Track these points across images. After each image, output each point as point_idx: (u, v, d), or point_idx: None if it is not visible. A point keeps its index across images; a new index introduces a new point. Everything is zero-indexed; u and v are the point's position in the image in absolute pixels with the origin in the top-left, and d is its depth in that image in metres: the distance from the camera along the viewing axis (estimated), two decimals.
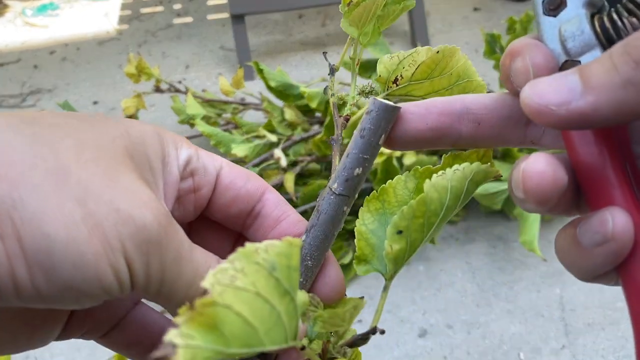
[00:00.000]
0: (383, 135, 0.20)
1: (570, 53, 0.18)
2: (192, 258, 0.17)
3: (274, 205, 0.21)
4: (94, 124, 0.16)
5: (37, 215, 0.14)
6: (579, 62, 0.18)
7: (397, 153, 0.81)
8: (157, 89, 1.11)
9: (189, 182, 0.20)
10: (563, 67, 0.18)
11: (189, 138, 1.07)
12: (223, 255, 0.18)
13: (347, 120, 0.23)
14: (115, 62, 1.63)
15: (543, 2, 0.19)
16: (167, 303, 0.17)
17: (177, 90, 1.11)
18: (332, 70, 0.23)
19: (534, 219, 0.80)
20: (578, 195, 0.19)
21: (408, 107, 0.20)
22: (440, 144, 0.21)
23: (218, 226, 0.22)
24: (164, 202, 0.18)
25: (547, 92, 0.16)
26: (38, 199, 0.14)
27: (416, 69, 0.22)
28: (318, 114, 1.02)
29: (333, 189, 0.20)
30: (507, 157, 0.88)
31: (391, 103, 0.20)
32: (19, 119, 0.15)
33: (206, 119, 1.04)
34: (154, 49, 1.70)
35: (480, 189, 0.82)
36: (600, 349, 0.75)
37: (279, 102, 1.03)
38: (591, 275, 0.18)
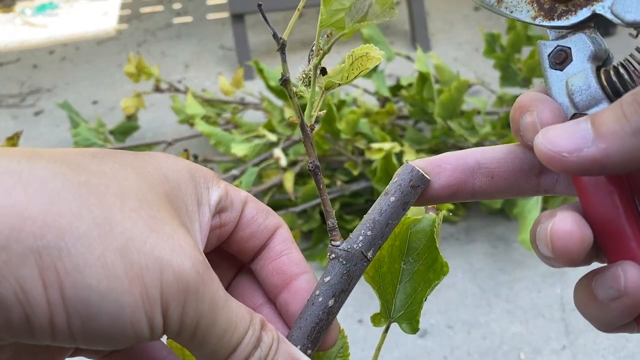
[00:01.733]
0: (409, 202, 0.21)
1: (578, 107, 0.18)
2: (227, 307, 0.17)
3: (281, 240, 0.21)
4: (135, 168, 0.17)
5: (80, 266, 0.14)
6: (586, 115, 0.18)
7: (396, 149, 0.81)
8: (157, 89, 1.10)
9: (217, 219, 0.20)
10: (571, 119, 0.18)
11: (189, 138, 1.07)
12: (224, 283, 0.18)
13: (312, 130, 0.22)
14: (115, 61, 1.63)
15: (549, 55, 0.19)
16: (198, 350, 0.17)
17: (177, 90, 1.11)
18: (282, 47, 0.22)
19: (534, 218, 0.80)
20: (596, 245, 0.19)
21: (420, 165, 0.20)
22: (456, 199, 0.21)
23: (225, 254, 0.22)
24: (200, 245, 0.19)
25: (560, 140, 0.17)
26: (83, 250, 0.14)
27: (360, 72, 0.22)
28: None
29: (368, 257, 0.20)
30: None
31: (422, 172, 0.20)
32: (68, 167, 0.16)
33: (206, 118, 1.04)
34: (154, 48, 1.70)
35: None
36: (601, 349, 0.75)
37: (278, 102, 1.02)
38: (611, 326, 0.18)
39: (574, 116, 0.18)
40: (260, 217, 0.21)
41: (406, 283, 0.22)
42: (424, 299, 0.21)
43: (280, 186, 0.89)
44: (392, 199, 0.20)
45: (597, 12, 0.18)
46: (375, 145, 0.82)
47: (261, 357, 0.17)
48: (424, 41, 1.53)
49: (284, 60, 0.22)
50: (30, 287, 0.14)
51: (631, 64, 0.18)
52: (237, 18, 1.47)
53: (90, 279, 0.14)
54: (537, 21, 0.19)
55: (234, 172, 0.89)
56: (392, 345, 0.78)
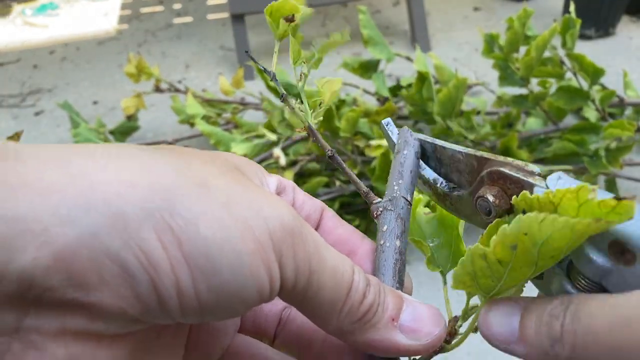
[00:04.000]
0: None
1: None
2: (329, 247, 0.17)
3: (330, 216, 0.22)
4: (205, 153, 0.18)
5: (192, 220, 0.14)
6: None
7: None
8: (157, 89, 1.11)
9: None
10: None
11: (189, 138, 1.07)
12: None
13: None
14: (115, 61, 1.63)
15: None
16: (316, 300, 0.17)
17: (177, 90, 1.11)
18: (274, 77, 0.25)
19: None
20: None
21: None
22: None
23: None
24: None
25: (494, 320, 0.18)
26: (190, 206, 0.15)
27: (331, 93, 0.27)
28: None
29: (408, 199, 0.23)
30: (507, 155, 0.87)
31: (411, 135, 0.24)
32: (149, 149, 0.16)
33: (206, 118, 1.04)
34: (154, 48, 1.70)
35: None
36: None
37: (278, 102, 1.03)
38: None
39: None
40: (308, 200, 0.22)
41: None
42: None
43: None
44: (405, 152, 0.23)
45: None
46: (374, 142, 0.82)
47: (375, 293, 0.18)
48: (424, 41, 1.53)
49: (278, 85, 0.25)
50: (151, 249, 0.14)
51: (579, 285, 0.18)
52: (238, 18, 1.47)
53: (205, 231, 0.14)
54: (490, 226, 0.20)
55: None
56: None
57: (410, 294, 0.21)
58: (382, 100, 1.03)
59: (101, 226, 0.13)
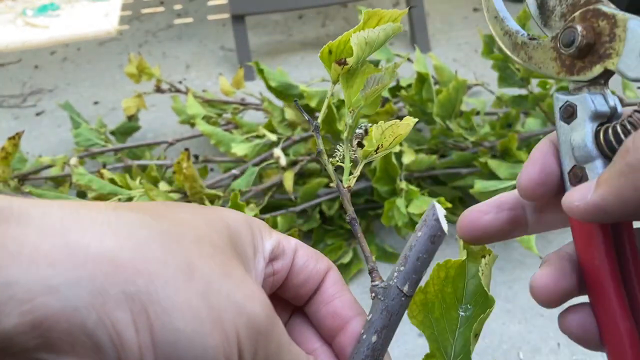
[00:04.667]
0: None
1: (577, 160, 0.21)
2: (292, 351, 0.18)
3: (332, 282, 0.22)
4: (203, 216, 0.19)
5: (168, 309, 0.15)
6: (584, 168, 0.21)
7: (396, 149, 0.82)
8: (158, 89, 1.11)
9: (270, 267, 0.21)
10: (572, 171, 0.21)
11: (190, 138, 1.07)
12: None
13: (349, 190, 0.24)
14: (116, 62, 1.64)
15: (560, 109, 0.21)
16: None
17: (178, 90, 1.11)
18: (317, 128, 0.24)
19: None
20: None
21: (481, 209, 0.23)
22: (512, 236, 0.24)
23: (278, 298, 0.23)
24: None
25: (575, 193, 0.20)
26: (169, 294, 0.15)
27: (394, 139, 0.24)
28: (318, 114, 1.02)
29: (405, 292, 0.21)
30: (506, 156, 0.88)
31: (443, 222, 0.22)
32: (150, 216, 0.17)
33: (206, 118, 1.04)
34: (155, 49, 1.70)
35: (479, 187, 0.82)
36: None
37: (279, 102, 1.03)
38: (586, 348, 0.22)
39: (574, 167, 0.21)
40: (311, 262, 0.22)
41: (464, 329, 0.22)
42: (474, 336, 0.22)
43: (280, 186, 0.90)
44: (419, 234, 0.22)
45: (609, 68, 0.20)
46: None
47: None
48: (424, 42, 1.54)
49: (317, 137, 0.24)
50: (123, 330, 0.15)
51: (632, 124, 0.20)
52: (238, 19, 1.47)
53: (178, 322, 0.15)
54: (560, 76, 0.21)
55: (234, 171, 0.90)
56: (392, 344, 0.78)
57: None
58: (382, 101, 1.03)
59: (83, 302, 0.14)
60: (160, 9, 2.01)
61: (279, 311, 0.22)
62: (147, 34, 1.81)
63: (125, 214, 0.16)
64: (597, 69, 0.20)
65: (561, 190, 0.21)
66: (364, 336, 0.21)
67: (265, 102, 0.99)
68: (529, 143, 0.94)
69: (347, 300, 0.22)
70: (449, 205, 0.79)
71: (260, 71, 0.97)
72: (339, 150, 0.24)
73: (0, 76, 1.62)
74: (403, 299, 0.21)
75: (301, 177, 0.96)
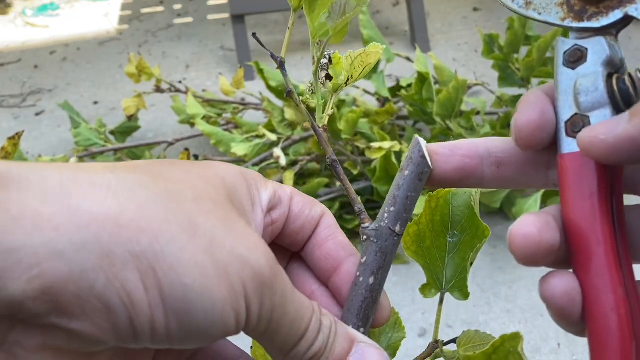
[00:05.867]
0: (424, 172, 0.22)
1: (580, 107, 0.19)
2: (295, 299, 0.18)
3: (326, 226, 0.22)
4: (199, 174, 0.19)
5: (175, 266, 0.15)
6: (588, 117, 0.19)
7: (396, 148, 0.82)
8: (158, 89, 1.11)
9: (269, 217, 0.21)
10: (571, 119, 0.19)
11: (190, 138, 1.07)
12: None
13: (325, 130, 0.23)
14: (116, 62, 1.64)
15: (564, 53, 0.20)
16: (270, 341, 0.18)
17: (178, 90, 1.11)
18: (282, 65, 0.23)
19: None
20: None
21: (434, 148, 0.21)
22: (465, 184, 0.22)
23: (277, 247, 0.23)
24: None
25: (598, 127, 0.18)
26: (175, 251, 0.16)
27: (364, 69, 0.23)
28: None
29: (396, 231, 0.21)
30: None
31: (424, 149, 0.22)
32: (148, 177, 0.17)
33: (206, 118, 1.04)
34: (155, 49, 1.70)
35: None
36: None
37: (279, 102, 1.03)
38: (564, 327, 0.20)
39: (574, 116, 0.19)
40: (306, 209, 0.22)
41: (454, 255, 0.23)
42: (469, 264, 0.22)
43: None
44: (406, 172, 0.21)
45: (630, 14, 0.18)
46: (375, 145, 0.82)
47: (324, 340, 0.19)
48: (424, 42, 1.54)
49: (285, 75, 0.23)
50: (133, 290, 0.15)
51: None
52: (238, 19, 1.47)
53: (185, 279, 0.15)
54: (565, 22, 0.19)
55: None
56: None
57: (383, 322, 0.22)
58: (382, 101, 1.03)
59: (90, 264, 0.14)
60: (160, 8, 2.01)
61: (279, 259, 0.22)
62: (147, 34, 1.81)
63: (124, 176, 0.16)
64: (615, 15, 0.18)
65: (553, 142, 0.20)
66: (361, 279, 0.21)
67: (265, 101, 0.99)
68: None
69: (340, 241, 0.22)
70: None
71: (260, 71, 0.97)
72: (307, 86, 0.23)
73: (0, 76, 1.62)
74: (395, 238, 0.21)
75: (301, 177, 0.96)
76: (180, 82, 1.20)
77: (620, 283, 0.18)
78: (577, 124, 0.19)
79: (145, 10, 2.00)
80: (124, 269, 0.15)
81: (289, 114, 0.97)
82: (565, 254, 0.20)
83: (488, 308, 0.82)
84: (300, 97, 0.23)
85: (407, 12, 1.57)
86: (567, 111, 0.19)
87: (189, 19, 1.90)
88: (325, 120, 0.23)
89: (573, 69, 0.19)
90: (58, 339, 0.15)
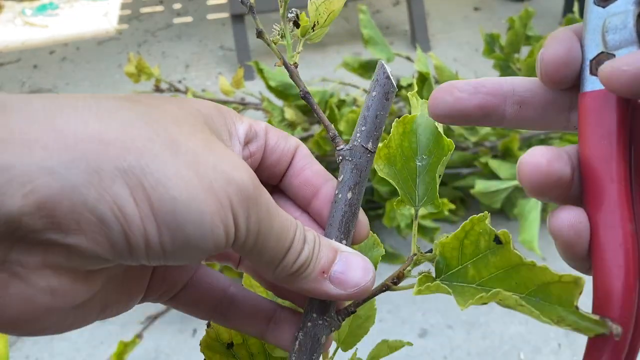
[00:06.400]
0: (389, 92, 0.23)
1: (608, 45, 0.19)
2: (279, 213, 0.19)
3: (302, 156, 0.23)
4: (177, 104, 0.19)
5: (162, 180, 0.16)
6: (614, 55, 0.19)
7: None
8: (157, 89, 1.10)
9: (246, 150, 0.22)
10: (597, 58, 0.20)
11: None
12: None
13: (296, 66, 0.25)
14: (115, 61, 1.63)
15: None
16: (259, 255, 0.19)
17: (177, 90, 1.11)
18: (252, 9, 0.25)
19: (534, 218, 0.80)
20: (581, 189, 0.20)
21: (457, 85, 0.22)
22: (485, 122, 0.22)
23: None
24: None
25: (621, 59, 0.18)
26: (160, 167, 0.16)
27: (329, 15, 0.24)
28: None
29: (369, 148, 0.23)
30: (507, 156, 0.87)
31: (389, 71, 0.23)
32: (128, 102, 0.18)
33: None
34: (154, 48, 1.70)
35: (480, 187, 0.82)
36: None
37: (278, 102, 1.03)
38: (570, 263, 0.20)
39: (600, 54, 0.19)
40: (281, 142, 0.23)
41: (424, 175, 0.24)
42: (438, 177, 0.23)
43: None
44: (374, 93, 0.23)
45: None
46: None
47: (309, 250, 0.20)
48: (424, 42, 1.53)
49: (255, 18, 0.24)
50: (124, 204, 0.16)
51: None
52: (237, 18, 1.47)
53: (173, 191, 0.16)
54: None
55: None
56: None
57: (362, 237, 0.24)
58: None
59: (81, 180, 0.15)
60: (160, 8, 2.01)
61: None
62: (147, 34, 1.81)
63: (104, 100, 0.17)
64: None
65: (577, 83, 0.20)
66: (339, 195, 0.22)
67: (265, 101, 0.99)
68: (530, 143, 0.94)
69: (317, 169, 0.23)
70: (452, 206, 0.79)
71: (260, 71, 0.97)
72: (275, 30, 0.25)
73: None
74: (369, 155, 0.23)
75: None
76: (179, 81, 1.20)
77: (630, 219, 0.18)
78: (603, 62, 0.19)
79: (144, 10, 1.99)
80: (113, 184, 0.15)
81: (289, 113, 0.97)
82: (578, 193, 0.20)
83: (489, 309, 0.82)
84: (271, 38, 0.24)
85: (408, 11, 1.57)
86: (593, 49, 0.20)
87: (189, 19, 1.89)
88: (296, 59, 0.24)
89: (603, 7, 0.20)
90: (57, 256, 0.16)
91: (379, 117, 0.23)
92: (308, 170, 0.23)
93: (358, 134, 0.23)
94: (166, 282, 0.22)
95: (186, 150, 0.17)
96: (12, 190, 0.14)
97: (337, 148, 0.23)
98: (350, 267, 0.21)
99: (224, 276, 0.24)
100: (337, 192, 0.22)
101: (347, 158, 0.23)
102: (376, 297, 0.24)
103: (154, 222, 0.16)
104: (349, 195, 0.22)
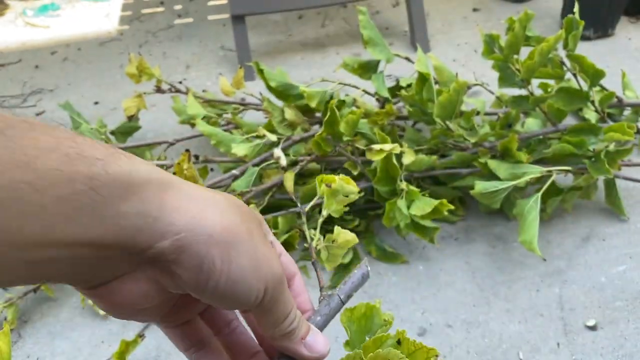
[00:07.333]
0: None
1: None
2: (288, 293, 0.29)
3: (299, 284, 0.33)
4: (250, 210, 0.28)
5: (240, 255, 0.25)
6: None
7: (397, 150, 0.82)
8: (158, 89, 1.11)
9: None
10: None
11: (190, 138, 1.08)
12: None
13: None
14: (116, 62, 1.64)
15: None
16: (268, 315, 0.28)
17: (178, 91, 1.12)
18: None
19: (533, 218, 0.81)
20: None
21: None
22: None
23: None
24: None
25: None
26: (242, 248, 0.25)
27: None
28: (318, 114, 1.02)
29: (342, 299, 0.34)
30: (506, 156, 0.88)
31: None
32: (223, 197, 0.26)
33: (207, 118, 1.04)
34: (155, 49, 1.70)
35: (479, 188, 0.83)
36: (599, 348, 0.76)
37: (279, 102, 1.03)
38: None
39: None
40: (290, 266, 0.32)
41: None
42: None
43: (280, 186, 0.90)
44: (356, 271, 0.36)
45: None
46: (375, 147, 0.82)
47: (297, 322, 0.30)
48: (424, 42, 1.54)
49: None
50: (216, 262, 0.24)
51: None
52: (238, 19, 1.47)
53: (242, 268, 0.25)
54: None
55: (235, 172, 0.90)
56: None
57: (321, 349, 0.32)
58: (382, 101, 1.03)
59: (203, 240, 0.23)
60: (161, 9, 2.01)
61: None
62: (148, 34, 1.81)
63: (213, 193, 0.26)
64: None
65: None
66: (312, 318, 0.33)
67: (265, 102, 0.99)
68: (529, 143, 0.94)
69: (307, 298, 0.33)
70: (451, 206, 0.79)
71: (260, 71, 0.97)
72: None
73: (0, 76, 1.62)
74: (341, 304, 0.34)
75: (301, 177, 0.96)
76: (180, 82, 1.20)
77: None
78: None
79: (145, 11, 2.00)
80: (216, 247, 0.24)
81: (289, 114, 0.97)
82: None
83: (488, 308, 0.82)
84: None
85: (407, 12, 1.57)
86: None
87: (189, 20, 1.90)
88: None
89: None
90: (163, 276, 0.24)
91: (355, 285, 0.35)
92: (301, 297, 0.33)
93: (341, 287, 0.34)
94: (191, 307, 0.30)
95: (256, 240, 0.26)
96: (168, 236, 0.23)
97: (322, 291, 0.35)
98: (317, 340, 0.30)
99: (232, 312, 0.33)
100: (314, 315, 0.33)
101: (326, 300, 0.34)
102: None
103: (225, 278, 0.24)
104: (318, 319, 0.33)
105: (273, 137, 0.92)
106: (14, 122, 0.19)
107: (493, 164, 0.85)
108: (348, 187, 0.38)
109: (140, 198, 0.22)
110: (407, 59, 1.03)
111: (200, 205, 0.24)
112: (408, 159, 0.86)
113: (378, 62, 1.01)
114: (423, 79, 0.88)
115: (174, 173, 0.79)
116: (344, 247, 0.38)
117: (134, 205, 0.21)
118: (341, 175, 0.36)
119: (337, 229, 0.39)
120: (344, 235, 0.38)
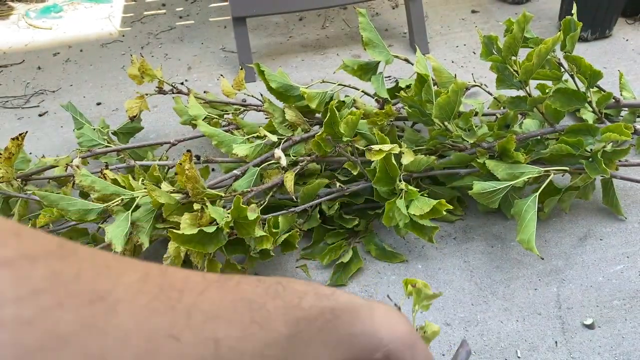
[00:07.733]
0: None
1: None
2: None
3: None
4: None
5: (414, 355, 0.30)
6: None
7: (396, 150, 0.83)
8: (160, 90, 1.12)
9: None
10: None
11: (191, 139, 1.09)
12: None
13: None
14: (118, 63, 1.65)
15: None
16: None
17: (180, 92, 1.12)
18: None
19: (531, 218, 0.81)
20: None
21: None
22: None
23: None
24: None
25: None
26: (416, 350, 0.30)
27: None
28: (318, 115, 1.03)
29: None
30: (504, 156, 0.89)
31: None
32: (394, 310, 0.30)
33: (208, 119, 1.05)
34: (157, 50, 1.72)
35: (478, 188, 0.83)
36: (597, 347, 0.76)
37: (279, 103, 1.04)
38: None
39: None
40: None
41: None
42: None
43: (281, 186, 0.91)
44: (460, 349, 0.37)
45: None
46: (374, 147, 0.83)
47: None
48: (423, 44, 1.55)
49: None
50: (396, 354, 0.29)
51: None
52: (239, 21, 1.48)
53: (425, 358, 0.30)
54: None
55: (236, 172, 0.91)
56: None
57: None
58: (381, 102, 1.04)
59: (401, 345, 0.29)
60: (162, 11, 2.02)
61: None
62: (149, 36, 1.82)
63: (387, 308, 0.31)
64: None
65: None
66: None
67: (266, 103, 1.00)
68: (526, 144, 0.95)
69: None
70: (450, 206, 0.80)
71: (261, 72, 0.98)
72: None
73: (3, 77, 1.63)
74: None
75: (301, 177, 0.97)
76: (182, 83, 1.21)
77: None
78: None
79: (147, 13, 2.01)
80: (409, 350, 0.29)
81: (290, 115, 0.98)
82: None
83: (486, 306, 0.83)
84: None
85: (406, 14, 1.58)
86: None
87: (191, 21, 1.91)
88: None
89: None
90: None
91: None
92: None
93: None
94: None
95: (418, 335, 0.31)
96: (380, 349, 0.28)
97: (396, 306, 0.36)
98: None
99: None
100: None
101: None
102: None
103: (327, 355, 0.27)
104: None
105: (274, 138, 0.93)
106: (285, 281, 0.27)
107: (491, 164, 0.86)
108: (426, 290, 0.41)
109: (362, 321, 0.28)
110: (406, 60, 1.04)
111: (389, 318, 0.29)
112: (407, 159, 0.87)
113: (377, 63, 1.02)
114: (422, 80, 0.89)
115: (176, 173, 0.80)
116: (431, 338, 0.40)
117: (359, 327, 0.27)
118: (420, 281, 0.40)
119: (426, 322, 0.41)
120: (431, 327, 0.41)
